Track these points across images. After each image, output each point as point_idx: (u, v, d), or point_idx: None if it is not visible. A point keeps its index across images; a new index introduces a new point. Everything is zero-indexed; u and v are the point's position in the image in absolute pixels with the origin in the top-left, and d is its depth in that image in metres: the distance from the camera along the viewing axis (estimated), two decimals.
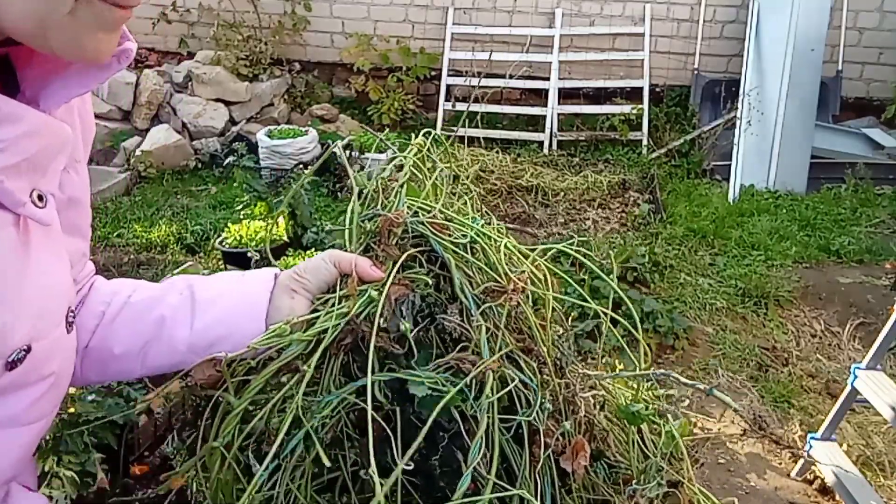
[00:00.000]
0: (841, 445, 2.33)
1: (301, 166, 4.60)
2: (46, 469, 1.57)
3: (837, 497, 2.22)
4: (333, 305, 0.76)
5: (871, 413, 2.58)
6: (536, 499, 0.69)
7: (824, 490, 2.30)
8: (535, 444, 0.70)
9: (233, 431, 0.71)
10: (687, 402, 2.65)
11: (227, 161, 4.90)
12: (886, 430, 2.55)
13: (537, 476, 0.70)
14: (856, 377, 2.09)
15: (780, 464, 2.45)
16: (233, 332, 0.76)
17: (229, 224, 3.56)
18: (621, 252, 3.56)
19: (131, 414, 1.89)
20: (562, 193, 4.66)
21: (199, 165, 5.04)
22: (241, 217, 3.59)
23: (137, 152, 4.83)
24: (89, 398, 1.78)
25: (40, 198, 0.59)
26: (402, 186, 0.89)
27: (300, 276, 0.80)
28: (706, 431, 2.59)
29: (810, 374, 2.91)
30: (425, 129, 1.06)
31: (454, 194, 0.98)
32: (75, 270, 0.73)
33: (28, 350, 0.58)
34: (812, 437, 2.30)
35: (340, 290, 0.78)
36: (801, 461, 2.37)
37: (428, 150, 0.99)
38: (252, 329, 0.76)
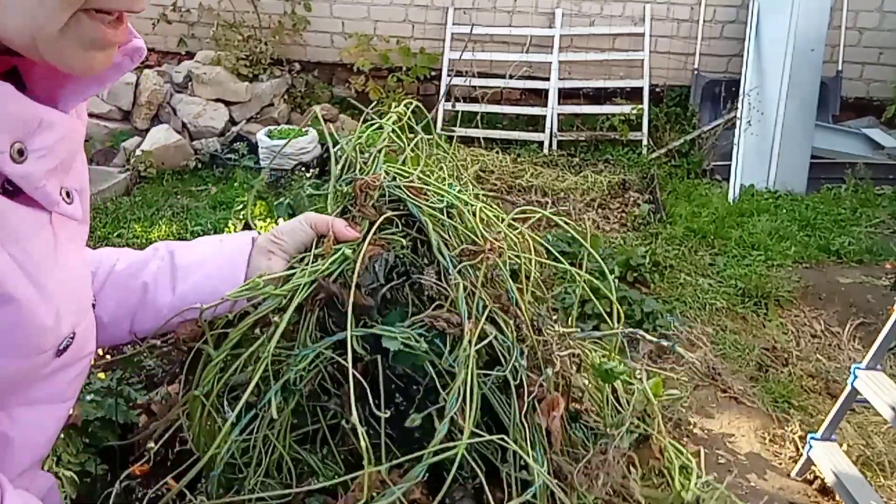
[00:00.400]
0: (841, 445, 2.32)
1: (301, 166, 4.60)
2: (47, 469, 1.57)
3: (837, 497, 2.22)
4: (308, 264, 0.77)
5: (871, 413, 2.58)
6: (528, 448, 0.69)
7: (824, 490, 2.30)
8: (519, 395, 0.71)
9: (212, 381, 0.74)
10: (687, 402, 2.65)
11: (225, 159, 4.91)
12: (886, 430, 2.55)
13: (524, 423, 0.70)
14: (856, 377, 2.09)
15: (780, 464, 2.45)
16: (213, 295, 0.80)
17: (229, 224, 3.56)
18: (621, 252, 3.56)
19: (132, 414, 1.89)
20: (562, 193, 4.66)
21: (199, 165, 5.04)
22: (241, 217, 3.59)
23: (137, 152, 4.83)
24: (89, 398, 1.78)
25: (68, 194, 0.63)
26: (379, 152, 0.90)
27: (277, 238, 0.84)
28: (706, 431, 2.59)
29: (810, 374, 2.91)
30: (406, 101, 1.08)
31: (433, 161, 0.99)
32: None
33: (73, 336, 0.64)
34: (812, 437, 2.30)
35: (316, 249, 0.80)
36: (801, 461, 2.37)
37: (408, 118, 1.01)
38: (230, 290, 0.80)
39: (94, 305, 0.72)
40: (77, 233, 0.69)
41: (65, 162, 0.61)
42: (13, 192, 0.57)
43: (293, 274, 0.77)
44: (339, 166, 0.92)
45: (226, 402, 0.74)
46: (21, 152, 0.55)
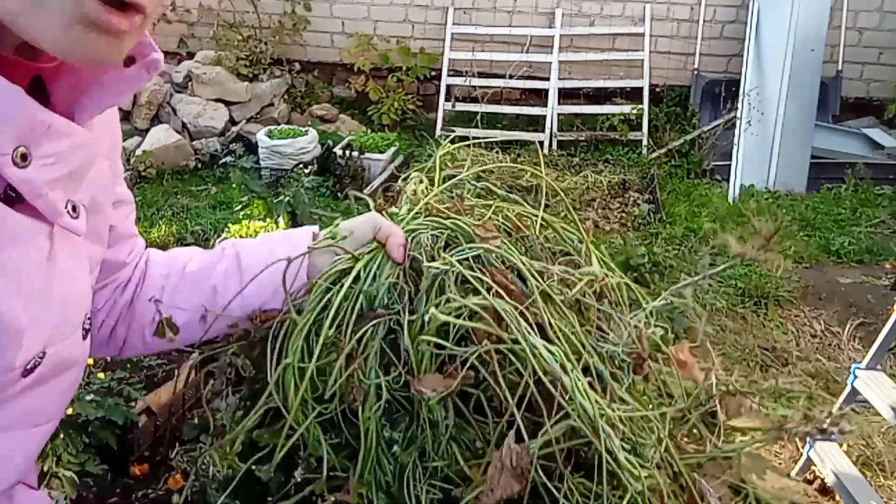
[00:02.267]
0: (841, 445, 2.32)
1: (301, 166, 4.60)
2: (46, 469, 1.57)
3: (837, 497, 2.22)
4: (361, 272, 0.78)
5: (871, 413, 2.58)
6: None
7: (824, 490, 2.30)
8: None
9: (301, 347, 0.74)
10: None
11: (223, 160, 4.90)
12: (886, 430, 2.55)
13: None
14: (856, 377, 2.09)
15: (780, 464, 2.45)
16: (277, 293, 0.81)
17: (229, 224, 3.56)
18: (621, 252, 3.56)
19: (132, 414, 1.89)
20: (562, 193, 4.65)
21: (199, 165, 5.04)
22: (242, 217, 3.59)
23: (137, 152, 4.83)
24: (89, 398, 1.78)
25: (74, 208, 0.61)
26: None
27: (339, 235, 0.85)
28: None
29: (810, 374, 2.91)
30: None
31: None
32: (93, 277, 0.74)
33: (43, 355, 0.61)
34: (812, 437, 2.30)
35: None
36: (801, 461, 2.37)
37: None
38: (295, 286, 0.82)
39: (87, 331, 0.69)
40: (83, 250, 0.68)
41: (75, 174, 0.60)
42: (14, 200, 0.56)
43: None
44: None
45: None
46: (25, 157, 0.54)
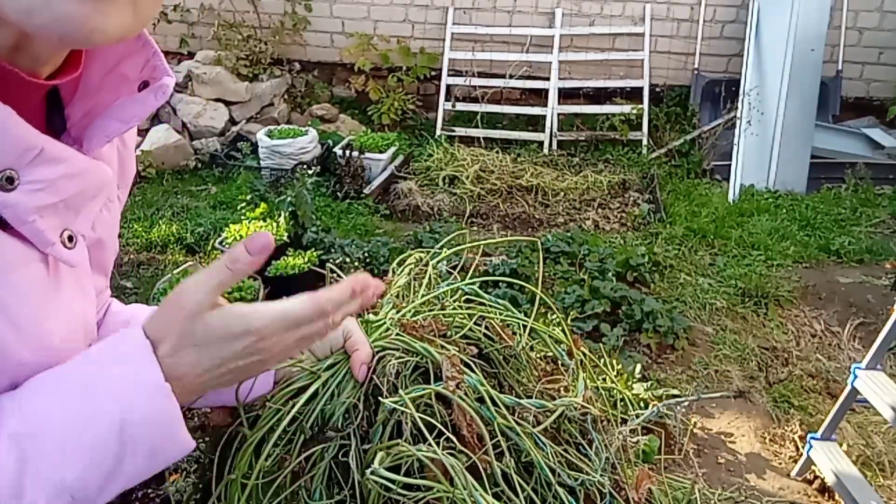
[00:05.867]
0: (841, 445, 2.33)
1: (301, 166, 4.60)
2: None
3: (837, 497, 2.22)
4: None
5: (871, 413, 2.58)
6: None
7: (824, 490, 2.30)
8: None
9: (248, 464, 0.73)
10: (686, 402, 2.65)
11: (229, 157, 4.91)
12: (886, 430, 2.55)
13: None
14: (856, 377, 2.09)
15: (780, 464, 2.45)
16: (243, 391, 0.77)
17: (229, 224, 3.56)
18: (621, 252, 3.56)
19: None
20: (562, 193, 4.66)
21: (199, 165, 5.04)
22: (242, 217, 3.60)
23: (137, 152, 4.83)
24: None
25: (70, 238, 0.58)
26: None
27: None
28: (706, 431, 2.59)
29: (810, 374, 2.91)
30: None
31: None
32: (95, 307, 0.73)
33: None
34: (812, 437, 2.30)
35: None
36: (801, 461, 2.37)
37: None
38: (262, 377, 0.76)
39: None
40: (86, 280, 0.64)
41: (71, 202, 0.57)
42: (7, 225, 0.53)
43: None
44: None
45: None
46: (11, 180, 0.51)
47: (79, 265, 0.60)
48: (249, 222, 3.43)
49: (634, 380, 2.60)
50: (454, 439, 0.69)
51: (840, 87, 5.27)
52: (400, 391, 0.72)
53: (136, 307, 0.85)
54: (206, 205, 4.40)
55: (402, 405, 0.70)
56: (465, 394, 0.72)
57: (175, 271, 3.09)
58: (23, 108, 0.52)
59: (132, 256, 3.80)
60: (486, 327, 0.85)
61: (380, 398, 0.73)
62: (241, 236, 3.31)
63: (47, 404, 0.54)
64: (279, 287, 3.06)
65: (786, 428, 2.60)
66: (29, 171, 0.52)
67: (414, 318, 0.83)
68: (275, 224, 3.39)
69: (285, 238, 3.33)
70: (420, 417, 0.69)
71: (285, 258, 3.17)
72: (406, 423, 0.70)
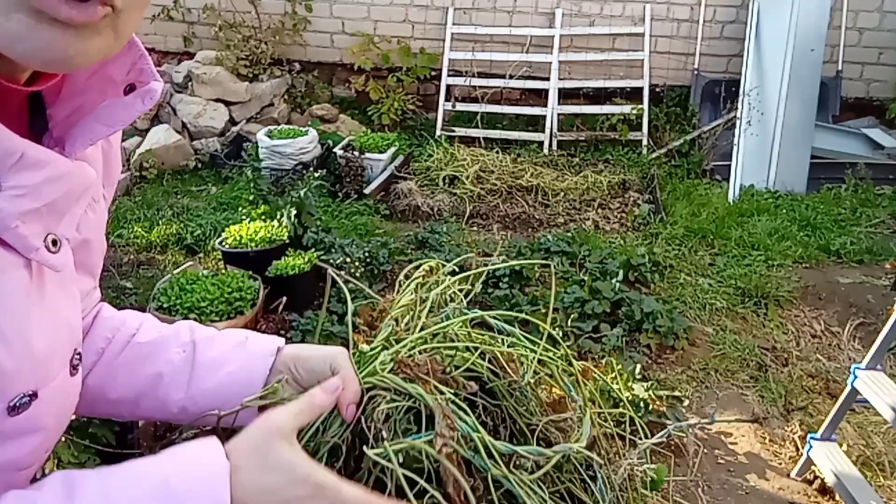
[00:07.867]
0: (841, 445, 2.32)
1: (301, 166, 4.60)
2: (47, 470, 1.57)
3: (837, 497, 2.22)
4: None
5: (871, 413, 2.58)
6: None
7: (824, 490, 2.30)
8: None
9: None
10: (686, 402, 2.65)
11: (229, 159, 4.90)
12: (886, 430, 2.55)
13: None
14: (856, 377, 2.09)
15: (780, 464, 2.45)
16: (225, 405, 0.75)
17: (230, 224, 3.56)
18: (621, 252, 3.56)
19: None
20: (562, 193, 4.66)
21: (199, 165, 5.04)
22: (243, 217, 3.59)
23: (138, 152, 4.83)
24: None
25: (54, 242, 0.57)
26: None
27: (297, 370, 0.77)
28: (706, 431, 2.59)
29: (810, 374, 2.91)
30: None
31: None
32: (81, 305, 0.72)
33: (34, 396, 0.57)
34: (812, 437, 2.30)
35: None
36: (801, 461, 2.37)
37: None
38: (246, 411, 0.75)
39: (76, 367, 0.65)
40: (70, 283, 0.64)
41: (54, 207, 0.55)
42: None
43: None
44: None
45: None
46: None
47: (63, 269, 0.59)
48: (250, 222, 3.43)
49: (634, 380, 2.60)
50: (439, 497, 0.66)
51: (840, 87, 5.27)
52: (385, 443, 0.68)
53: (127, 313, 0.84)
54: (206, 205, 4.40)
55: (385, 457, 0.66)
56: (459, 441, 0.69)
57: (175, 272, 3.09)
58: (2, 112, 0.51)
59: (132, 257, 3.80)
60: (490, 360, 0.82)
61: (367, 443, 0.70)
62: (240, 237, 3.31)
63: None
64: (279, 287, 3.06)
65: (786, 428, 2.60)
66: (9, 176, 0.51)
67: (410, 355, 0.78)
68: (276, 224, 3.40)
69: (285, 238, 3.33)
70: (404, 473, 0.66)
71: (285, 258, 3.17)
72: (390, 479, 0.67)
